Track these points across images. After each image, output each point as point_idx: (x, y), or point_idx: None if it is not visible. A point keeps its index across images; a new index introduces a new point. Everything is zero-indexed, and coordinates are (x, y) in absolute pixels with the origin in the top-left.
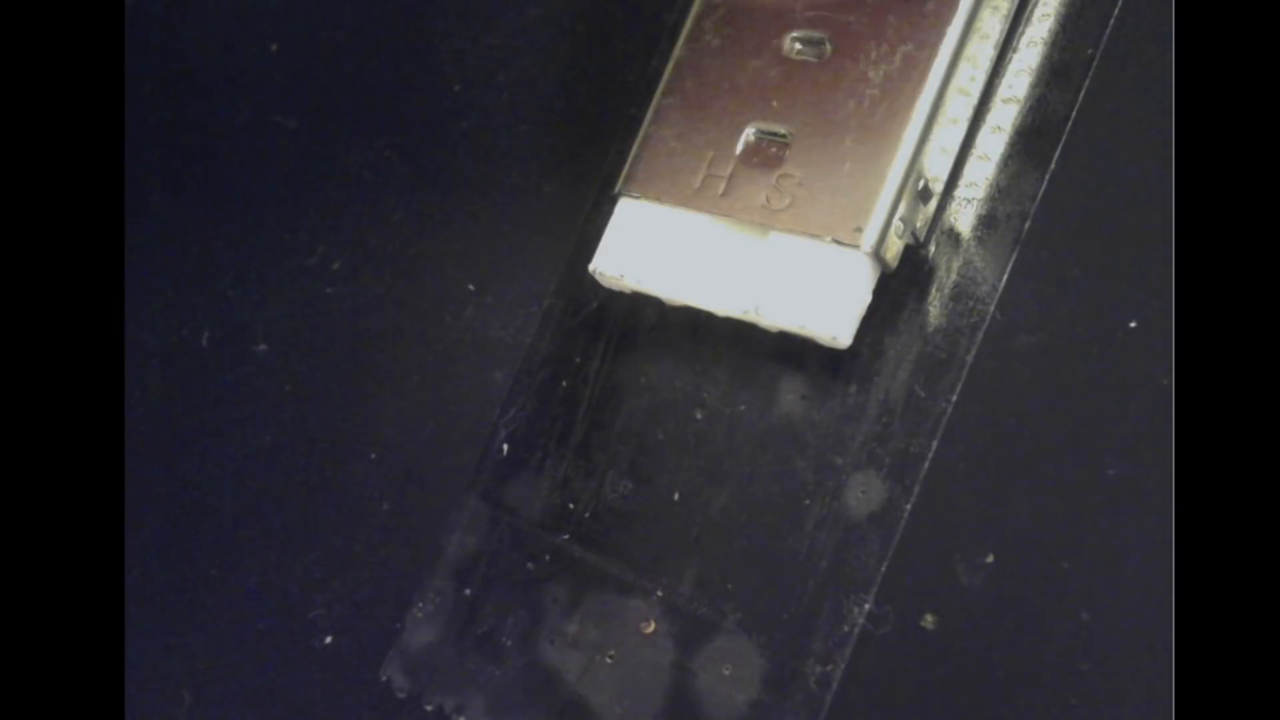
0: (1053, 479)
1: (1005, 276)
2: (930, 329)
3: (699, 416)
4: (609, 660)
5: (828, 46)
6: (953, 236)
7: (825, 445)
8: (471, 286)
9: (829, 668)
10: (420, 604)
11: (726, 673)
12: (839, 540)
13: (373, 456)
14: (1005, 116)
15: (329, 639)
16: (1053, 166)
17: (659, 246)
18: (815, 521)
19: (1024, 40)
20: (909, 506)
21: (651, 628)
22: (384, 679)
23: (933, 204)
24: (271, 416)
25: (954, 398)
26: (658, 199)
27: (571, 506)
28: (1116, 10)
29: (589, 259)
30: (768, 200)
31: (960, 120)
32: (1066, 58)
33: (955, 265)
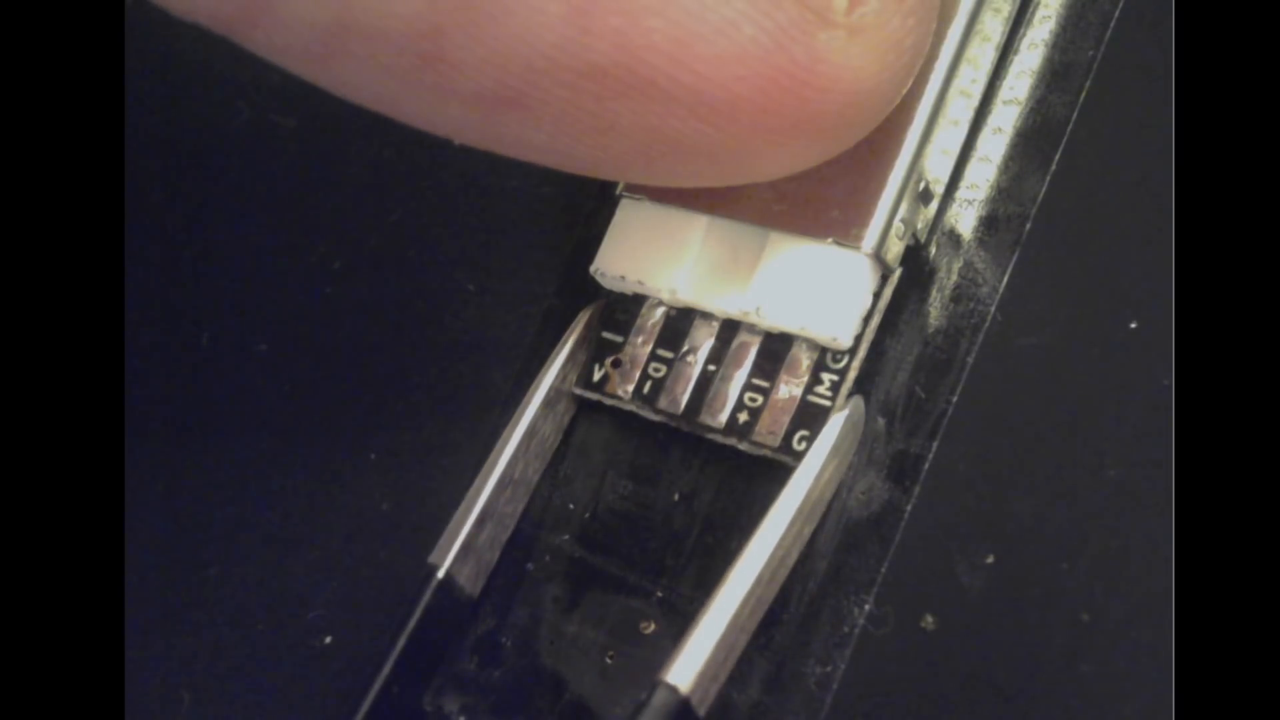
0: (1053, 479)
1: (1006, 278)
2: (930, 330)
3: None
4: (609, 660)
5: None
6: (953, 238)
7: None
8: (471, 286)
9: (829, 668)
10: None
11: None
12: (839, 540)
13: (372, 456)
14: (1006, 118)
15: (329, 639)
16: (1054, 168)
17: (659, 246)
18: (815, 522)
19: (1025, 42)
20: (909, 506)
21: (651, 628)
22: None
23: (934, 205)
24: (272, 416)
25: (954, 398)
26: (658, 199)
27: (571, 507)
28: (1117, 12)
29: (589, 259)
30: (768, 201)
31: (961, 122)
32: (1067, 60)
33: (956, 266)
